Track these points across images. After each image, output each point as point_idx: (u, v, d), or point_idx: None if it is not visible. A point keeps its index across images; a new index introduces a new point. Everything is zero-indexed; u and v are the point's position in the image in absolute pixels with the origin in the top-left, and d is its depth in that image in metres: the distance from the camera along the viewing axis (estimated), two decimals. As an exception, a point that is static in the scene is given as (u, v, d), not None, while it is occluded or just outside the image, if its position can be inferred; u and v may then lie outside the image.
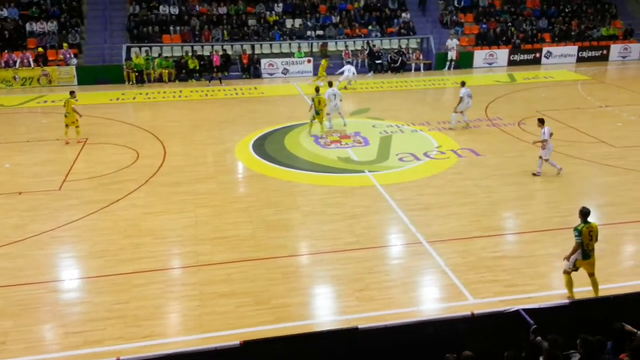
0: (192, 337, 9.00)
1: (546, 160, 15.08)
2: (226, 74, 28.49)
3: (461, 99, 19.51)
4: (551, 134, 14.94)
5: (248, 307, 9.67)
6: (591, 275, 9.68)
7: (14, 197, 14.39)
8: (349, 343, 7.64)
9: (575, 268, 9.67)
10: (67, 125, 18.53)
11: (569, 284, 9.74)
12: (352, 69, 26.31)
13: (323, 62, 27.46)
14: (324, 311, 9.84)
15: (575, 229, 9.48)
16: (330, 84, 20.23)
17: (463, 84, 19.85)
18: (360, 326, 7.78)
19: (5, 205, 13.88)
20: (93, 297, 10.12)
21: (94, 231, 12.56)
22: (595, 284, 9.70)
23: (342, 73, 25.82)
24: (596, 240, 9.57)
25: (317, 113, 18.88)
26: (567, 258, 9.70)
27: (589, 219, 9.52)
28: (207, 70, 28.37)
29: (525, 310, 7.89)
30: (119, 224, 12.82)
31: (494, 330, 7.80)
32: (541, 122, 15.14)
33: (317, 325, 9.27)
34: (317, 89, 19.39)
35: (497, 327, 7.89)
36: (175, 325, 9.46)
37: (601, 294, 9.57)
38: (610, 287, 9.99)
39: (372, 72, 29.94)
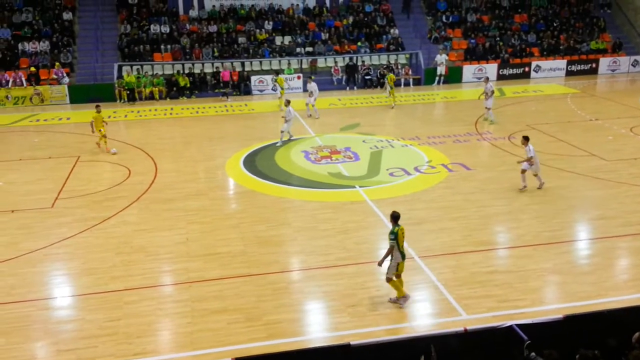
0: (184, 354, 8.97)
1: (535, 175, 15.35)
2: (228, 90, 28.68)
3: (487, 94, 22.35)
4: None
5: (240, 324, 9.65)
6: (398, 276, 10.03)
7: (7, 215, 14.35)
8: None
9: (398, 272, 9.94)
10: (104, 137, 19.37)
11: (398, 286, 10.03)
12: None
13: (279, 79, 27.51)
14: (316, 327, 9.83)
15: (392, 232, 9.82)
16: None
17: (487, 79, 23.71)
18: (352, 342, 7.78)
19: (-3, 224, 13.85)
20: (85, 314, 10.09)
21: (86, 248, 12.54)
22: (401, 284, 10.07)
23: (311, 93, 24.13)
24: None
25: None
26: (380, 262, 10.01)
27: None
28: (198, 88, 28.65)
29: (518, 325, 7.88)
30: (111, 241, 12.80)
31: (488, 346, 7.80)
32: (526, 139, 15.28)
33: (309, 341, 9.25)
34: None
35: (491, 343, 7.89)
36: (166, 343, 9.41)
37: (595, 308, 9.59)
38: (604, 301, 10.05)
39: (348, 87, 30.18)
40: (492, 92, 22.34)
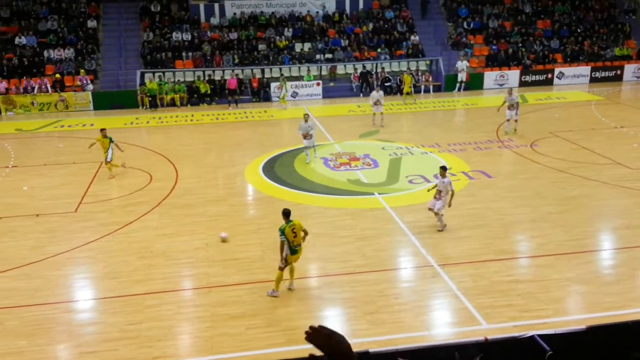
0: (203, 358, 9.03)
1: (437, 212, 13.13)
2: (238, 97, 28.89)
3: (512, 105, 21.32)
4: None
5: (258, 329, 9.69)
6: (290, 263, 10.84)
7: (32, 219, 14.61)
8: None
9: (287, 263, 10.60)
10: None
11: (279, 280, 10.65)
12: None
13: (283, 82, 28.33)
14: (335, 334, 9.79)
15: (279, 229, 10.43)
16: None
17: (511, 90, 21.90)
18: (371, 350, 7.75)
19: (23, 227, 14.10)
20: (107, 317, 10.22)
21: (108, 252, 12.71)
22: (292, 271, 10.89)
23: (377, 102, 22.93)
24: (302, 236, 10.61)
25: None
26: (282, 261, 10.55)
27: (291, 218, 10.61)
28: (218, 95, 28.87)
29: (540, 335, 7.78)
30: (133, 246, 12.95)
31: (508, 357, 7.71)
32: (444, 169, 13.29)
33: (328, 348, 9.22)
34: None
35: (512, 353, 7.80)
36: (186, 347, 9.49)
37: (619, 319, 9.42)
38: (628, 312, 9.90)
39: (362, 94, 30.02)
40: (517, 103, 21.59)
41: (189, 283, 11.49)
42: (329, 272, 11.61)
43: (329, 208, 14.99)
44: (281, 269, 10.55)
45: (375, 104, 23.14)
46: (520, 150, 19.64)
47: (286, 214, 10.58)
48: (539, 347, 7.58)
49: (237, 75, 29.37)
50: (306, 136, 18.44)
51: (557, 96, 29.18)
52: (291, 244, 10.43)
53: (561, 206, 14.72)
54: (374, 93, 23.75)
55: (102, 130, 18.00)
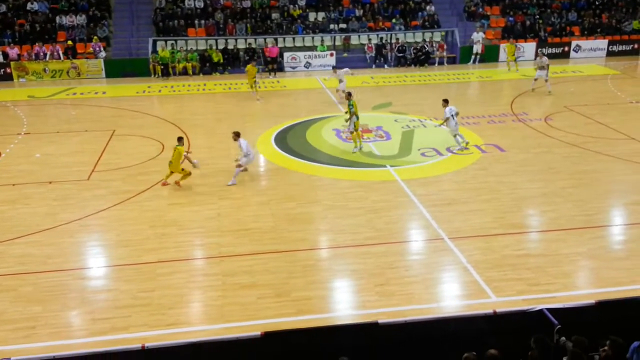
0: (214, 326, 9.15)
1: (242, 168, 14.88)
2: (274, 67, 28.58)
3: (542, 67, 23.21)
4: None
5: (269, 299, 9.78)
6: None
7: (45, 186, 14.74)
8: (369, 337, 7.69)
9: (355, 129, 16.47)
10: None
11: (356, 138, 16.61)
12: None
13: (250, 68, 23.56)
14: (344, 305, 9.90)
15: (349, 103, 16.45)
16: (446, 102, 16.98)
17: (542, 53, 24.22)
18: (380, 321, 7.84)
19: (36, 194, 14.23)
20: (119, 285, 10.35)
21: (120, 221, 12.82)
22: (359, 136, 16.83)
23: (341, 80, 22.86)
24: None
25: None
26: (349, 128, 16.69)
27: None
28: (231, 64, 28.69)
29: (549, 309, 7.81)
30: (145, 215, 13.05)
31: (517, 330, 7.75)
32: (237, 135, 14.87)
33: (337, 318, 9.34)
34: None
35: (520, 327, 7.84)
36: (198, 315, 9.62)
37: (628, 294, 9.45)
38: (638, 287, 9.87)
39: (374, 65, 29.79)
40: (547, 65, 23.22)
41: (201, 252, 11.60)
42: (339, 244, 11.66)
43: (341, 180, 14.98)
44: (351, 132, 16.46)
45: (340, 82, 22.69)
46: (535, 124, 19.43)
47: (349, 93, 16.93)
48: (548, 320, 7.62)
49: (272, 43, 28.78)
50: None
51: (573, 70, 28.73)
52: (357, 113, 16.26)
53: (574, 181, 14.61)
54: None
55: (180, 139, 14.80)
